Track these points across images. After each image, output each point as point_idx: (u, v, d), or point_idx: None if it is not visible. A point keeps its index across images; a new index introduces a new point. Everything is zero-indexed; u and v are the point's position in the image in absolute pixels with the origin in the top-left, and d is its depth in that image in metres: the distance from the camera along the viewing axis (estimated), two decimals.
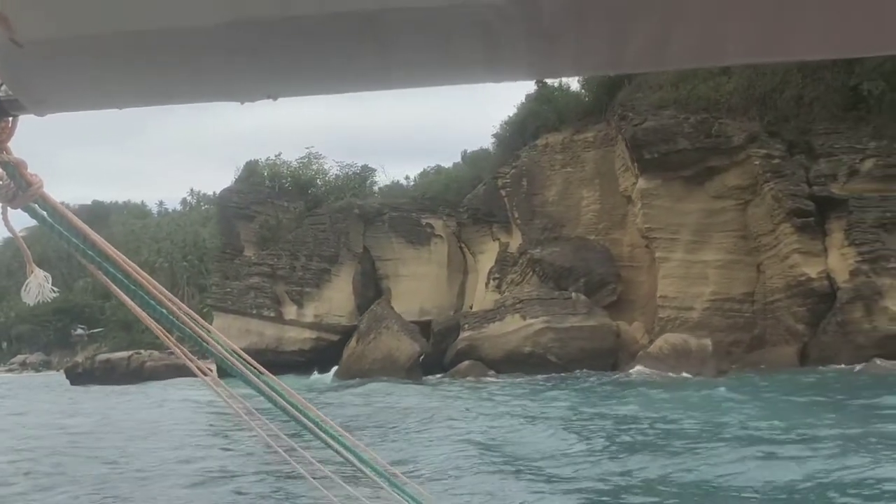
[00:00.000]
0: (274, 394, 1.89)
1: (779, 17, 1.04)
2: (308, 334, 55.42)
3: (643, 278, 45.36)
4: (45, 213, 1.40)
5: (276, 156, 62.09)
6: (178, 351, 1.84)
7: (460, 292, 56.10)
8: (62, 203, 1.48)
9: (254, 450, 16.41)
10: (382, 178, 65.82)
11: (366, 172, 63.93)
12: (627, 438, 17.29)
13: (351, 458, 2.10)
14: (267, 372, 1.92)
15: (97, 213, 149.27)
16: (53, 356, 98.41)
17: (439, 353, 44.72)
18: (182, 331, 1.65)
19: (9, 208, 1.38)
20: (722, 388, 26.57)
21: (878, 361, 33.76)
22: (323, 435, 2.02)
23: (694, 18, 1.05)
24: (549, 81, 51.14)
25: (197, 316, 1.68)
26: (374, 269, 57.93)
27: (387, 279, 57.70)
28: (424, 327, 48.97)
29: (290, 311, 55.92)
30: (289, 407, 1.92)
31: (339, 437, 2.08)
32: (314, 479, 2.20)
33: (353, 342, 44.43)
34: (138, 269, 1.58)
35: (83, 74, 1.20)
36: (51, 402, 38.62)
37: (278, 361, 45.51)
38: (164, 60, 1.15)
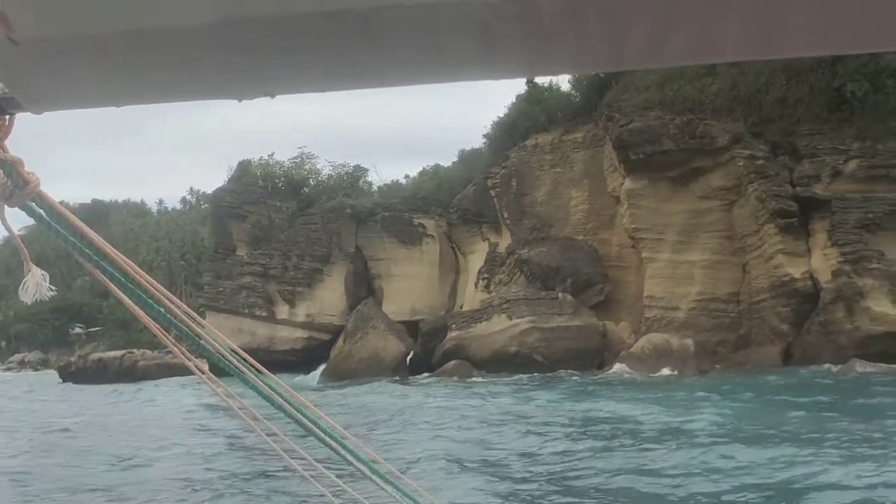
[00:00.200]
0: (272, 392, 1.88)
1: (776, 13, 1.05)
2: (300, 334, 55.72)
3: (631, 278, 45.58)
4: (42, 211, 1.40)
5: (268, 155, 62.41)
6: (176, 349, 1.83)
7: (452, 292, 56.33)
8: (61, 202, 1.61)
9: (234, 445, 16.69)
10: (381, 177, 66.17)
11: (358, 172, 64.28)
12: (581, 436, 17.60)
13: (349, 457, 2.10)
14: (266, 371, 1.93)
15: (97, 212, 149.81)
16: (51, 355, 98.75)
17: (427, 352, 45.01)
18: (180, 329, 1.66)
19: (6, 207, 1.37)
20: (695, 389, 26.89)
21: (857, 362, 33.92)
22: (321, 434, 2.02)
23: (692, 15, 1.07)
24: (539, 82, 51.53)
25: (195, 314, 1.69)
26: (367, 269, 58.23)
27: (379, 279, 57.98)
28: (416, 327, 49.26)
29: (282, 311, 56.25)
30: (287, 406, 1.92)
31: (338, 437, 2.08)
32: (313, 478, 2.20)
33: (340, 342, 44.77)
34: (136, 267, 1.58)
35: (80, 73, 1.22)
36: (38, 401, 38.90)
37: (270, 361, 45.11)
38: (161, 58, 1.17)
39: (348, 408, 26.46)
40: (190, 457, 17.99)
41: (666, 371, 35.23)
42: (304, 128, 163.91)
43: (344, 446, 2.08)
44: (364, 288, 57.45)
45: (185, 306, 1.66)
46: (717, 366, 37.99)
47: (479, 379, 38.24)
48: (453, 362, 41.54)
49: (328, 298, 56.25)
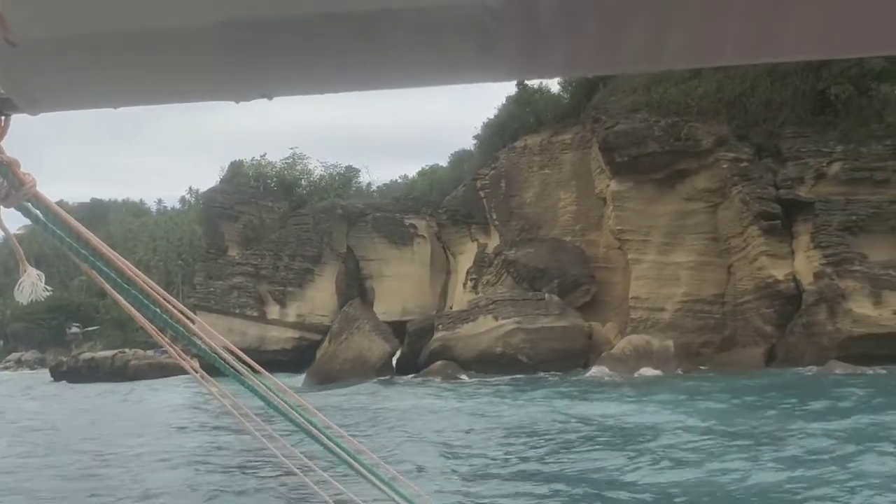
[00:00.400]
0: (268, 392, 1.88)
1: (773, 17, 1.05)
2: (290, 334, 55.99)
3: (618, 279, 45.72)
4: (38, 211, 1.40)
5: (261, 156, 62.63)
6: (172, 350, 1.82)
7: (443, 293, 56.58)
8: (60, 201, 1.63)
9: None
10: (379, 178, 66.40)
11: (350, 173, 64.47)
12: (540, 434, 17.85)
13: (347, 457, 2.10)
14: (263, 370, 1.93)
15: (96, 212, 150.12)
16: (48, 354, 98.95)
17: (415, 353, 45.21)
18: (175, 329, 1.66)
19: (1, 207, 1.37)
20: (670, 390, 27.07)
21: (835, 364, 34.08)
22: (318, 434, 2.01)
23: (688, 19, 1.06)
24: (529, 83, 51.66)
25: (191, 314, 1.70)
26: (359, 270, 58.47)
27: (370, 279, 58.25)
28: (406, 327, 49.47)
29: (273, 311, 56.50)
30: (283, 405, 1.92)
31: (335, 437, 2.08)
32: (307, 477, 2.21)
33: (325, 343, 45.00)
34: (132, 267, 1.57)
35: (77, 74, 1.22)
36: (28, 400, 39.14)
37: (260, 361, 42.75)
38: (158, 60, 1.17)
39: (321, 410, 26.63)
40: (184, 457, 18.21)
41: (647, 372, 35.35)
42: (305, 128, 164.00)
43: (340, 446, 2.09)
44: (355, 288, 57.74)
45: (181, 306, 1.67)
46: (698, 367, 38.14)
47: (464, 379, 38.43)
48: (439, 363, 41.71)
49: (319, 298, 56.50)
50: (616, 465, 14.02)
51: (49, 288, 1.51)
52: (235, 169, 61.55)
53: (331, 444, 2.05)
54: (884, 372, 32.10)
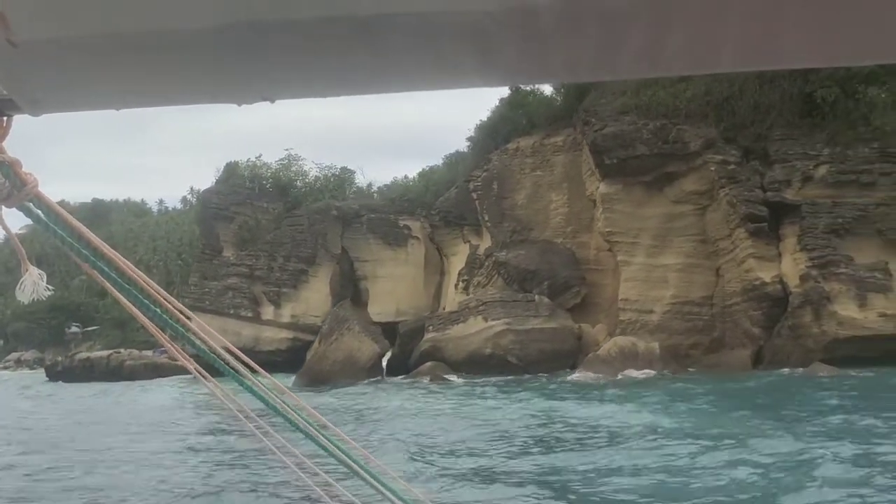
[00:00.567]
0: (266, 392, 1.89)
1: (773, 24, 1.05)
2: (285, 334, 56.24)
3: (608, 281, 45.94)
4: (39, 211, 1.40)
5: (256, 157, 62.91)
6: (172, 348, 1.83)
7: (437, 294, 56.82)
8: (61, 201, 1.76)
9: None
10: (379, 178, 66.61)
11: (345, 174, 64.79)
12: (510, 436, 18.15)
13: (343, 457, 2.11)
14: (261, 370, 1.93)
15: (97, 212, 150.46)
16: (48, 354, 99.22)
17: (406, 354, 45.50)
18: (175, 329, 1.66)
19: (3, 207, 1.37)
20: (650, 392, 27.28)
21: (818, 366, 34.28)
22: (315, 433, 2.02)
23: (688, 26, 1.07)
24: (522, 85, 51.90)
25: (191, 314, 1.72)
26: (353, 271, 58.75)
27: (365, 280, 58.54)
28: (397, 329, 49.80)
29: (268, 312, 56.75)
30: (281, 405, 1.93)
31: (332, 437, 2.09)
32: (306, 476, 2.22)
33: (315, 344, 45.26)
34: (133, 267, 1.57)
35: (79, 75, 1.22)
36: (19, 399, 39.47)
37: (255, 361, 44.92)
38: (160, 62, 1.17)
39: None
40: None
41: (632, 373, 35.58)
42: (307, 128, 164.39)
43: (336, 445, 2.10)
44: (350, 289, 58.02)
45: (181, 306, 1.68)
46: (685, 368, 38.35)
47: (452, 380, 38.68)
48: (428, 364, 41.98)
49: (313, 299, 56.74)
50: (575, 466, 14.25)
51: (51, 287, 1.52)
52: (231, 170, 61.85)
53: (327, 444, 2.06)
54: (871, 374, 32.19)
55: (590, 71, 1.21)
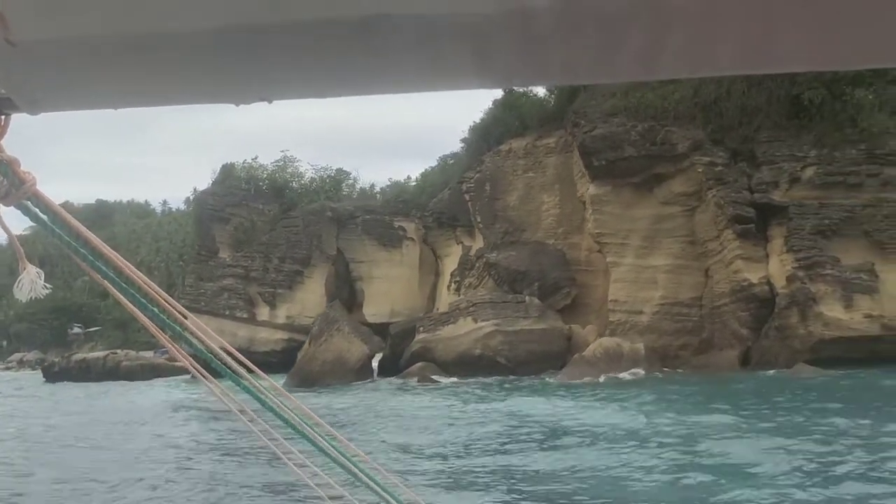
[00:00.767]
0: (263, 391, 1.91)
1: (771, 28, 1.05)
2: (280, 335, 56.57)
3: (599, 282, 46.09)
4: (38, 210, 1.40)
5: (252, 159, 63.30)
6: (172, 347, 1.84)
7: (431, 295, 57.07)
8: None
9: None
10: (385, 178, 66.79)
11: (340, 175, 65.09)
12: (478, 436, 18.41)
13: (338, 456, 2.12)
14: (259, 371, 1.94)
15: (101, 212, 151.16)
16: (50, 354, 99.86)
17: (397, 355, 45.75)
18: (173, 329, 1.66)
19: (1, 206, 1.37)
20: (630, 392, 27.42)
21: (802, 367, 34.43)
22: (311, 433, 2.03)
23: (686, 29, 1.06)
24: (516, 87, 52.09)
25: (188, 313, 1.72)
26: (349, 272, 59.05)
27: (360, 281, 58.86)
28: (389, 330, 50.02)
29: (263, 313, 57.09)
30: (278, 405, 1.94)
31: (327, 436, 2.10)
32: (304, 475, 2.24)
33: (306, 345, 45.55)
34: (131, 266, 1.57)
35: (77, 75, 1.22)
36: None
37: (250, 362, 46.49)
38: (158, 62, 1.17)
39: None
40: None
41: (617, 374, 35.74)
42: (309, 128, 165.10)
43: (332, 445, 2.10)
44: (346, 290, 58.33)
45: (178, 306, 1.68)
46: (671, 369, 38.51)
47: (440, 381, 38.89)
48: (418, 365, 42.21)
49: (308, 300, 57.05)
50: (520, 465, 14.49)
51: (48, 286, 1.51)
52: (227, 171, 62.23)
53: (322, 442, 2.07)
54: (861, 375, 32.20)
55: (588, 73, 1.22)
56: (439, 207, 53.53)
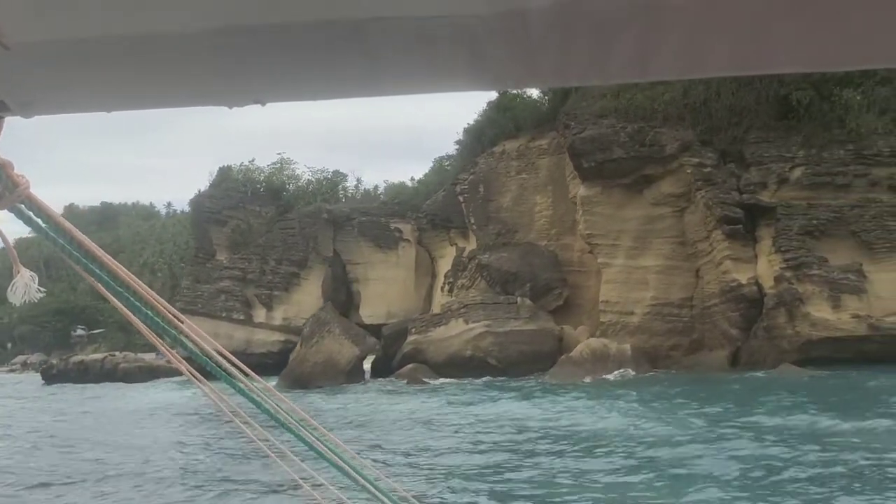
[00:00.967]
0: (258, 394, 1.90)
1: (763, 30, 1.05)
2: (276, 337, 56.75)
3: (591, 283, 46.22)
4: (31, 213, 1.39)
5: (249, 161, 63.59)
6: (165, 350, 1.83)
7: (427, 296, 57.14)
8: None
9: None
10: (387, 179, 66.90)
11: (337, 178, 65.33)
12: (453, 435, 18.65)
13: (334, 457, 2.12)
14: (254, 374, 1.93)
15: (106, 215, 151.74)
16: (53, 356, 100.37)
17: (390, 356, 45.96)
18: (167, 332, 1.66)
19: None
20: (611, 393, 27.57)
21: (787, 367, 34.51)
22: (306, 435, 2.03)
23: (679, 30, 1.06)
24: (513, 89, 52.22)
25: (182, 317, 1.72)
26: (345, 273, 59.23)
27: (356, 283, 58.99)
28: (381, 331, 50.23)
29: (260, 314, 57.31)
30: (273, 407, 1.94)
31: (322, 438, 2.09)
32: (298, 477, 2.24)
33: (297, 346, 45.80)
34: (125, 270, 1.56)
35: (71, 77, 1.21)
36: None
37: (247, 363, 42.43)
38: (152, 65, 1.17)
39: None
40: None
41: (602, 375, 35.86)
42: (317, 129, 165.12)
43: (327, 446, 2.11)
44: (342, 292, 58.47)
45: (172, 309, 1.67)
46: (657, 369, 38.61)
47: (429, 383, 39.09)
48: (409, 366, 42.41)
49: (305, 302, 57.20)
50: (504, 464, 14.69)
51: (42, 289, 1.50)
52: (224, 174, 62.55)
53: (317, 444, 2.07)
54: (846, 375, 32.19)
55: (580, 75, 1.23)
56: (433, 209, 53.73)
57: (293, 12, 1.06)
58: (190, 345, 1.72)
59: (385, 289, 57.87)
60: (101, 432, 24.48)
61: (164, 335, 1.69)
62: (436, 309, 51.02)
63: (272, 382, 45.27)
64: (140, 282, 1.60)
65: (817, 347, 36.33)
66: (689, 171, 40.31)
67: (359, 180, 73.25)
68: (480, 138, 52.84)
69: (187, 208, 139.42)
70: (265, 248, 58.14)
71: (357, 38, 1.09)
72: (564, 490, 12.89)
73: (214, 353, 1.79)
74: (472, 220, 50.65)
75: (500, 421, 21.48)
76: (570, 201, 47.16)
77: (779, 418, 19.35)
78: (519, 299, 44.09)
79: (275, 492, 13.15)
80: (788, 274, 37.31)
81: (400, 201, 59.90)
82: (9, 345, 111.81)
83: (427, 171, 67.16)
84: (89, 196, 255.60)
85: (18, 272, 1.47)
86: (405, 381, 39.46)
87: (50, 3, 1.10)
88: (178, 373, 1.93)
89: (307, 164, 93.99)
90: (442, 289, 51.02)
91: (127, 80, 1.23)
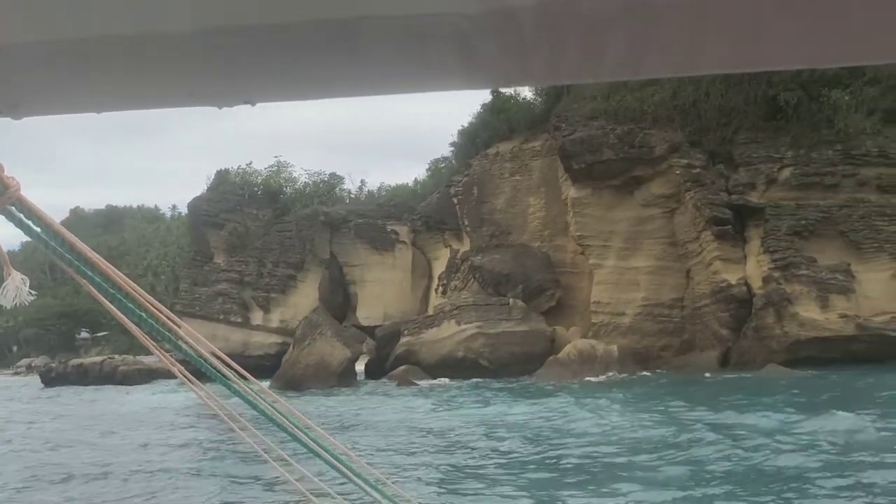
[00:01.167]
0: (254, 396, 1.90)
1: (754, 28, 1.04)
2: (274, 339, 56.96)
3: (584, 284, 46.36)
4: (22, 216, 1.39)
5: (246, 164, 63.88)
6: (160, 354, 1.83)
7: (424, 298, 57.33)
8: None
9: None
10: (389, 180, 67.15)
11: (334, 180, 65.57)
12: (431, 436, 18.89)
13: (331, 459, 2.11)
14: (250, 377, 1.94)
15: (111, 217, 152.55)
16: (58, 359, 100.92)
17: (383, 358, 46.18)
18: (162, 335, 1.65)
19: None
20: (595, 394, 27.73)
21: (773, 368, 34.62)
22: (303, 436, 2.02)
23: (671, 28, 1.06)
24: (504, 90, 52.40)
25: (178, 319, 1.71)
26: (342, 275, 59.47)
27: (353, 284, 59.22)
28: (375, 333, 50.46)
29: (257, 317, 57.57)
30: (269, 409, 1.94)
31: (325, 444, 2.09)
32: (294, 479, 2.25)
33: (290, 349, 46.06)
34: (118, 272, 1.56)
35: (61, 78, 1.20)
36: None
37: (244, 366, 40.76)
38: (140, 65, 1.16)
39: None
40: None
41: (589, 376, 36.00)
42: (320, 131, 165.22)
43: (324, 448, 2.10)
44: (339, 294, 58.73)
45: (168, 311, 1.67)
46: (645, 370, 38.73)
47: (419, 384, 39.28)
48: (401, 368, 42.62)
49: (302, 304, 57.40)
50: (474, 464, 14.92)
51: (33, 292, 1.48)
52: (221, 177, 62.88)
53: (313, 445, 2.05)
54: (832, 375, 32.30)
55: (572, 73, 1.21)
56: (428, 211, 53.98)
57: (283, 12, 1.06)
58: (185, 347, 1.74)
59: (382, 291, 58.06)
60: (95, 433, 24.80)
61: (158, 338, 1.70)
62: (432, 310, 51.26)
63: (267, 385, 45.55)
64: (134, 284, 1.62)
65: (805, 347, 36.46)
66: (678, 172, 40.45)
67: (362, 182, 73.57)
68: (474, 140, 53.05)
69: None
70: (262, 250, 58.40)
71: (347, 37, 1.09)
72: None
73: (210, 356, 1.80)
74: (466, 222, 50.88)
75: (464, 423, 21.66)
76: (562, 203, 47.30)
77: (750, 417, 19.51)
78: (511, 300, 44.26)
79: (271, 492, 13.29)
80: (777, 274, 37.44)
81: (396, 203, 60.09)
82: (14, 348, 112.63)
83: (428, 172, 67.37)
84: (94, 199, 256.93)
85: (9, 275, 1.46)
86: (395, 384, 39.65)
87: (37, 3, 1.09)
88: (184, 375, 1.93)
89: (306, 167, 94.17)
90: (436, 290, 51.23)
91: (116, 81, 1.23)
